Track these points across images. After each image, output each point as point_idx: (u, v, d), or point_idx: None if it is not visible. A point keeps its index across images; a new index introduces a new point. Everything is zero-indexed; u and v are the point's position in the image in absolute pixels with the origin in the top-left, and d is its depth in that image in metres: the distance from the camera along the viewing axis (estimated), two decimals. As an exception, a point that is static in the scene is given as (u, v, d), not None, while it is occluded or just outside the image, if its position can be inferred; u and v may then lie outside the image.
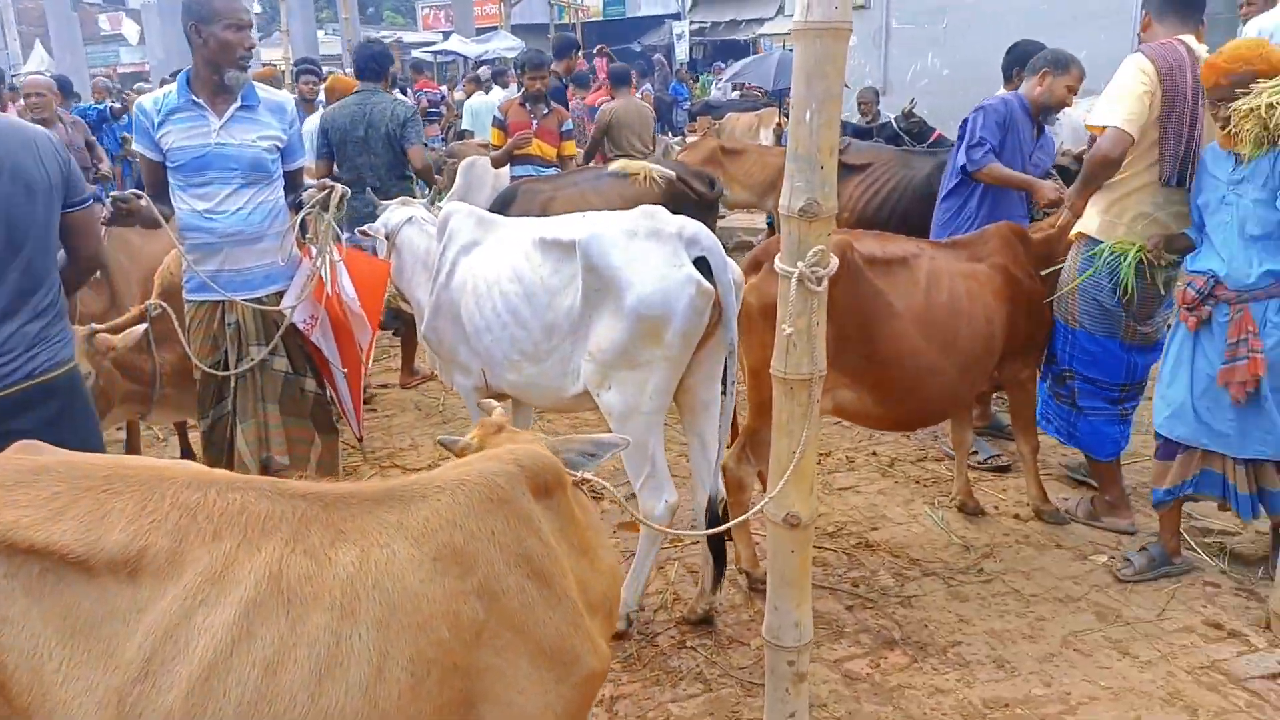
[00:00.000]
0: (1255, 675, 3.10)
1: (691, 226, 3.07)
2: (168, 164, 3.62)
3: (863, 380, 3.57)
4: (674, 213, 5.92)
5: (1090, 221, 3.90)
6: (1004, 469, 4.72)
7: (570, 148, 6.90)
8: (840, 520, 4.25)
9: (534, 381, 3.39)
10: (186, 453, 4.95)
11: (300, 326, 3.74)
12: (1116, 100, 3.59)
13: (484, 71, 14.53)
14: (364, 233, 4.08)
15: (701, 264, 3.00)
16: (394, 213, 4.10)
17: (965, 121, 4.66)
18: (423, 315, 3.98)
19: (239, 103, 3.64)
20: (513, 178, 6.79)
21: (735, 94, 20.96)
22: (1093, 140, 4.43)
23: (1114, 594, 3.61)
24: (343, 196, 3.70)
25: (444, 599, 1.64)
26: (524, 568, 1.72)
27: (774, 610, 2.32)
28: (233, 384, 3.73)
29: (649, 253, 3.00)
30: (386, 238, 4.05)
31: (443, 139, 13.68)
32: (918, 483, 4.63)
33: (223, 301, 3.68)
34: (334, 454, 4.02)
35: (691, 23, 31.22)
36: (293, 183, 3.88)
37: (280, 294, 3.77)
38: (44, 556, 1.54)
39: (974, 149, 4.60)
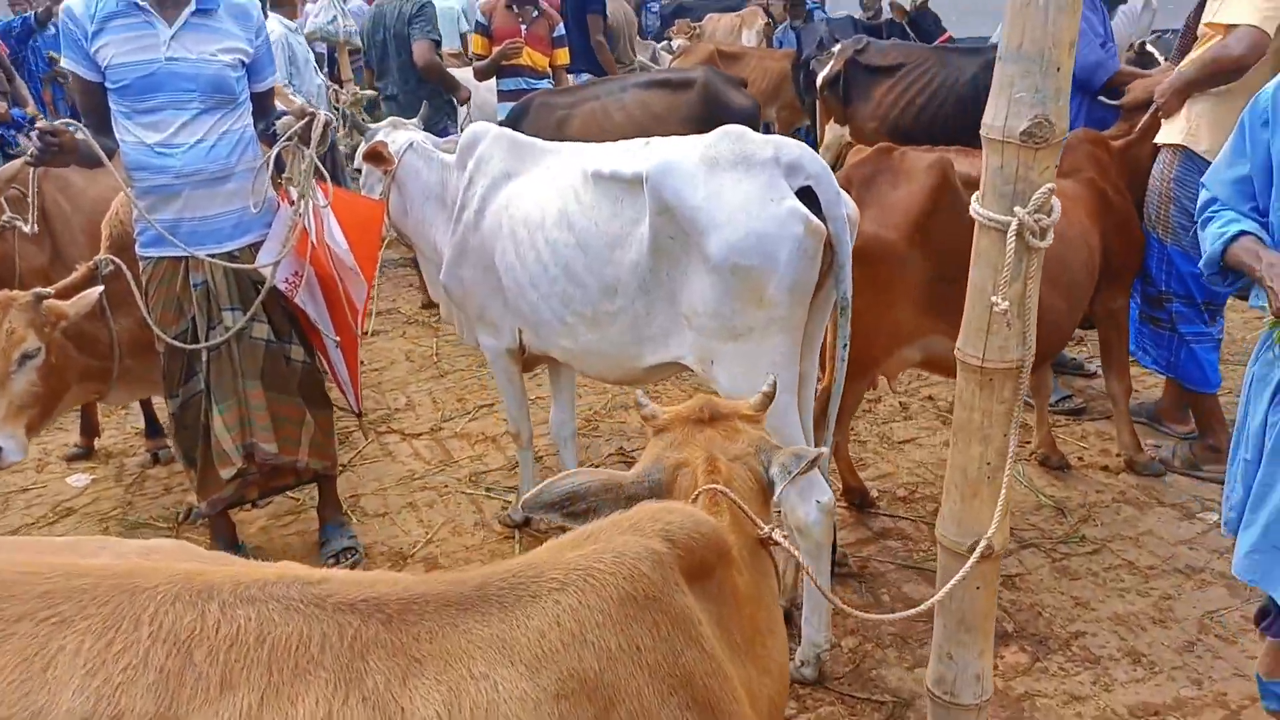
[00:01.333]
0: None
1: (791, 148, 2.43)
2: (110, 85, 2.92)
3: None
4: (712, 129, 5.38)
5: (1192, 132, 3.35)
6: (1078, 411, 4.24)
7: (563, 56, 6.14)
8: (909, 481, 3.76)
9: (595, 349, 2.79)
10: (152, 425, 4.33)
11: (281, 288, 3.11)
12: None
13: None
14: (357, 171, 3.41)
15: (806, 196, 2.39)
16: (390, 136, 3.42)
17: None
18: (434, 259, 3.36)
19: (193, 6, 2.94)
20: (500, 93, 6.05)
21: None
22: (1184, 36, 3.84)
23: (1240, 561, 3.17)
24: (326, 125, 3.03)
25: (576, 755, 1.10)
26: (681, 694, 1.17)
27: (946, 660, 1.81)
28: (205, 357, 3.10)
29: (738, 185, 2.37)
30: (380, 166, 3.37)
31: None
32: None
33: (186, 258, 3.03)
34: (329, 431, 3.42)
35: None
36: (263, 107, 3.19)
37: (255, 246, 3.12)
38: (-50, 746, 0.97)
39: (1100, 50, 3.98)
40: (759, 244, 2.33)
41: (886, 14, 9.34)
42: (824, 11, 10.57)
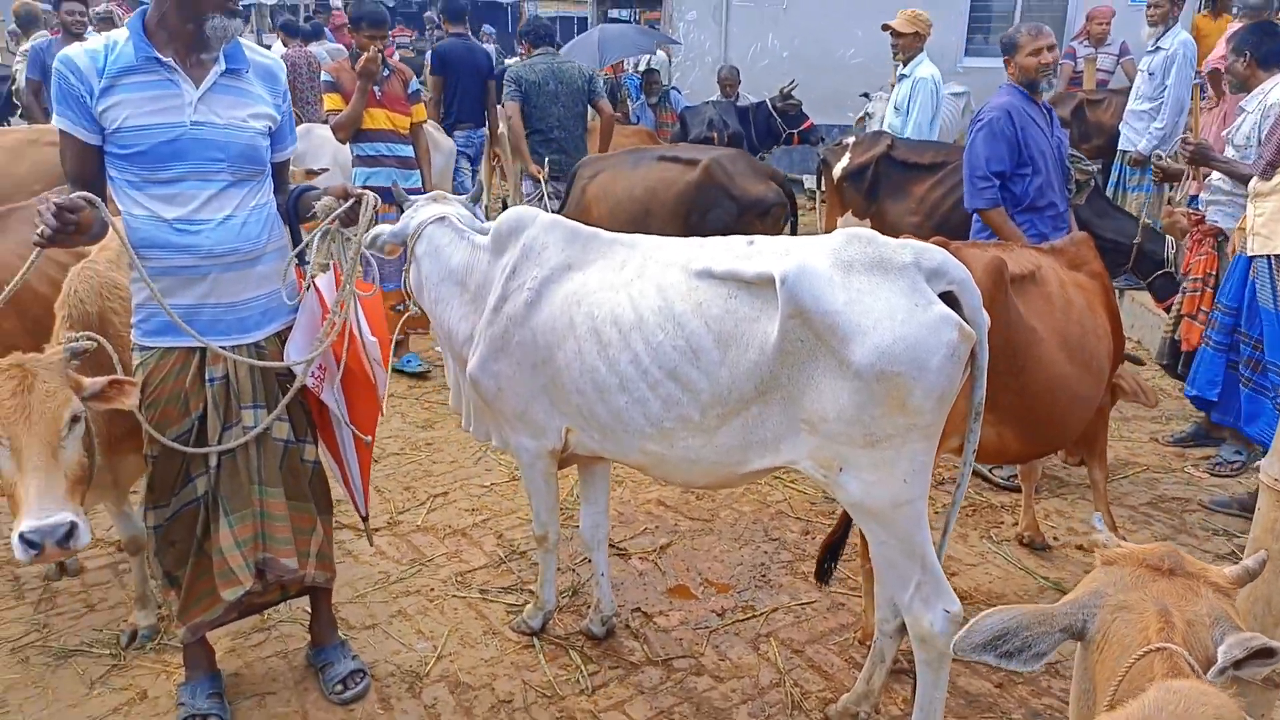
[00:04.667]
0: None
1: (934, 254, 2.41)
2: (116, 150, 2.51)
3: (1007, 417, 3.11)
4: (701, 216, 5.43)
5: None
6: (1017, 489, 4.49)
7: (421, 112, 5.87)
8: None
9: (692, 455, 2.61)
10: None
11: (309, 384, 2.75)
12: None
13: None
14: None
15: (947, 302, 2.37)
16: (420, 210, 3.19)
17: (971, 134, 4.34)
18: (446, 345, 3.13)
19: (223, 65, 2.58)
20: (357, 157, 5.69)
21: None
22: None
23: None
24: (375, 206, 2.72)
25: None
26: None
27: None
28: (215, 462, 2.67)
29: (878, 289, 2.33)
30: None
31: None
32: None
33: (201, 349, 2.62)
34: (331, 539, 3.04)
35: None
36: (280, 180, 2.85)
37: (281, 335, 2.75)
38: None
39: (981, 181, 4.28)
40: (908, 350, 2.29)
41: (744, 100, 9.77)
42: (679, 92, 10.89)
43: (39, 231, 2.29)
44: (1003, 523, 4.16)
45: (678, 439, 2.62)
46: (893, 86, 8.70)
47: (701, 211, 5.40)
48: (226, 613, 2.84)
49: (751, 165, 5.73)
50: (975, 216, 4.43)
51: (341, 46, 12.24)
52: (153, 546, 2.79)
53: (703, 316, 2.52)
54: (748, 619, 3.45)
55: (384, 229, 3.16)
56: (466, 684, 3.08)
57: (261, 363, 2.64)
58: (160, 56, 2.48)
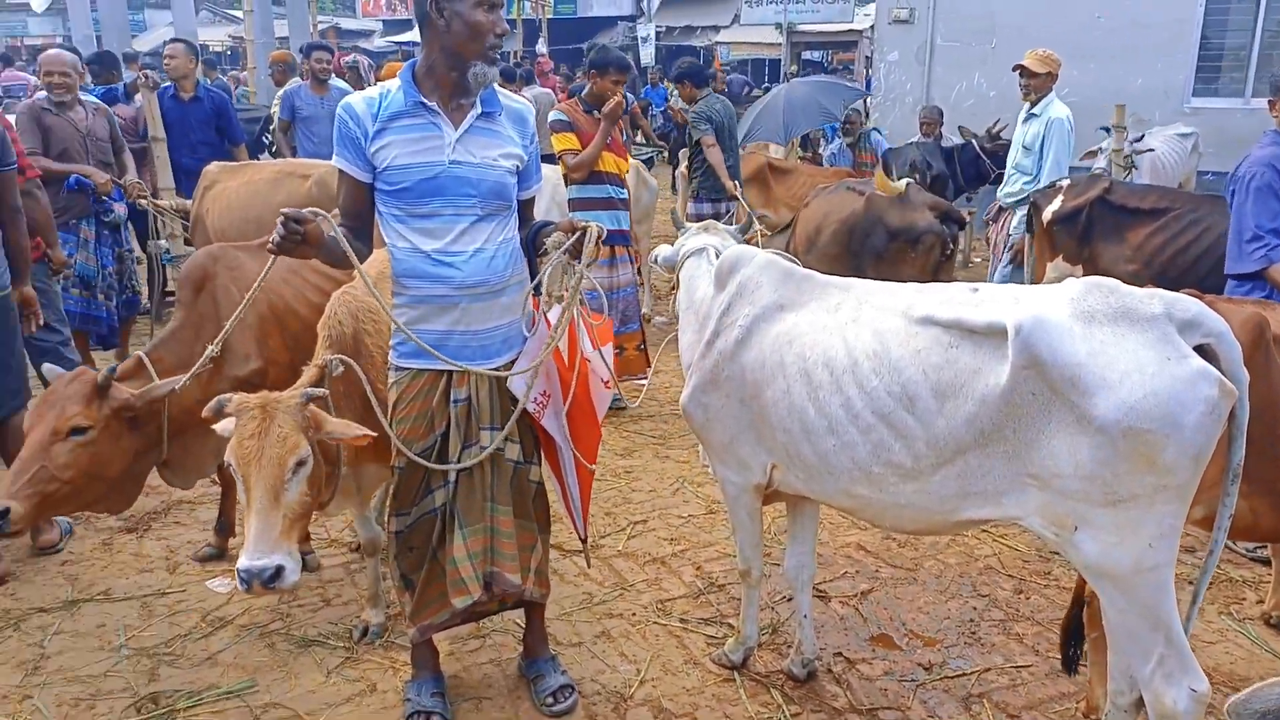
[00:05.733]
0: None
1: (1187, 304, 2.28)
2: (384, 187, 2.76)
3: (1264, 489, 2.88)
4: (861, 243, 5.66)
5: None
6: (1266, 561, 4.11)
7: (626, 163, 6.10)
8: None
9: (903, 501, 2.56)
10: (224, 529, 4.10)
11: (530, 409, 2.89)
12: None
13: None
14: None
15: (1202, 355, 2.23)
16: (689, 239, 3.44)
17: (1231, 192, 4.06)
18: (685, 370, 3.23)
19: (479, 109, 2.79)
20: (581, 200, 5.75)
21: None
22: None
23: None
24: (599, 238, 2.85)
25: None
26: None
27: None
28: (453, 478, 2.86)
29: (1124, 341, 2.22)
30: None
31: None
32: (1190, 584, 3.99)
33: (448, 372, 2.82)
34: (548, 557, 3.18)
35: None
36: (524, 216, 3.03)
37: (512, 363, 2.92)
38: None
39: (1250, 244, 4.00)
40: (1160, 406, 2.16)
41: (949, 140, 9.54)
42: (880, 132, 10.77)
43: (271, 239, 2.53)
44: (1244, 599, 3.83)
45: (887, 484, 2.57)
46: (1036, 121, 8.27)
47: (861, 238, 5.89)
48: (452, 618, 3.01)
49: (915, 197, 5.95)
50: (1230, 279, 4.13)
51: (548, 90, 12.92)
52: (393, 550, 3.00)
53: (920, 364, 2.47)
54: (957, 676, 3.32)
55: (662, 249, 3.51)
56: (669, 710, 3.12)
57: (494, 372, 2.80)
58: (426, 101, 2.72)
